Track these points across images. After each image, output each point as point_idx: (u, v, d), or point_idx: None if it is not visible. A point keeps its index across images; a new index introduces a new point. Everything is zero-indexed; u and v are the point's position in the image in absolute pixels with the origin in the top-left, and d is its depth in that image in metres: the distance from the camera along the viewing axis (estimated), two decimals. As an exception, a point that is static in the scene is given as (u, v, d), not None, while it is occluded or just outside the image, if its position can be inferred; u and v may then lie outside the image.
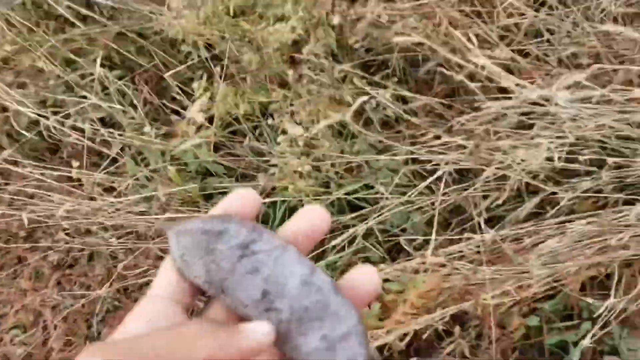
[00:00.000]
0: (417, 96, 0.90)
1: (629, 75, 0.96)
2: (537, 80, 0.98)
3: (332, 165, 0.90)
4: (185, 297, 0.31)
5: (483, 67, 0.87)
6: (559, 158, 0.80)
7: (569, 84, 0.85)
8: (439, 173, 0.86)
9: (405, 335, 0.79)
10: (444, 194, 0.83)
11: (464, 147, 0.83)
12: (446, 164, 0.83)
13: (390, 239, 0.96)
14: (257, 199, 0.32)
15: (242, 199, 0.31)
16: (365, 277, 0.30)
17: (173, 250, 0.31)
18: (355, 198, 1.00)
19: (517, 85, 0.88)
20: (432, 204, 0.85)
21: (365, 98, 0.79)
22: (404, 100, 1.09)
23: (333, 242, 0.89)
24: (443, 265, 0.86)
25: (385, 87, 0.95)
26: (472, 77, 0.93)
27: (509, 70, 0.99)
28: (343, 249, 0.95)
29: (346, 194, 0.96)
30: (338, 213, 0.99)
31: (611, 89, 0.90)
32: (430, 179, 0.82)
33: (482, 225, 0.86)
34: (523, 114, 0.92)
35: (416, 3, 0.93)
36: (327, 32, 0.94)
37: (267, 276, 0.29)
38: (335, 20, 0.98)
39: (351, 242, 0.93)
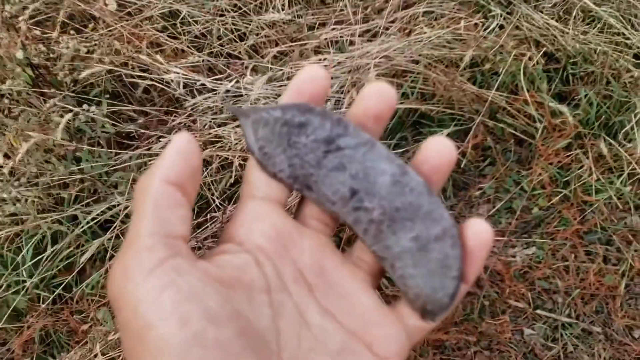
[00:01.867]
0: (133, 107, 1.00)
1: (304, 51, 1.20)
2: (243, 73, 1.16)
3: (65, 186, 0.96)
4: (280, 196, 0.30)
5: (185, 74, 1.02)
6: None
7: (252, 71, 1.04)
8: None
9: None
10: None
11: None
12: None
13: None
14: (328, 77, 0.30)
15: (312, 78, 0.29)
16: (439, 148, 0.30)
17: (250, 141, 0.29)
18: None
19: (218, 80, 1.05)
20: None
21: (70, 115, 0.87)
22: (133, 119, 1.19)
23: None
24: (199, 248, 0.99)
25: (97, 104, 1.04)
26: (186, 85, 1.07)
27: (210, 70, 1.15)
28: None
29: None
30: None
31: (290, 65, 1.12)
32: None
33: (221, 204, 1.01)
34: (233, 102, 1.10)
35: (107, 30, 1.03)
36: (20, 73, 0.99)
37: (355, 173, 0.28)
38: (35, 59, 1.03)
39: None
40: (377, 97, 0.29)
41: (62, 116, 0.89)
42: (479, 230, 0.29)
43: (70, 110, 0.93)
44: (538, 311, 1.10)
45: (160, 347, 0.24)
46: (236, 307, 0.27)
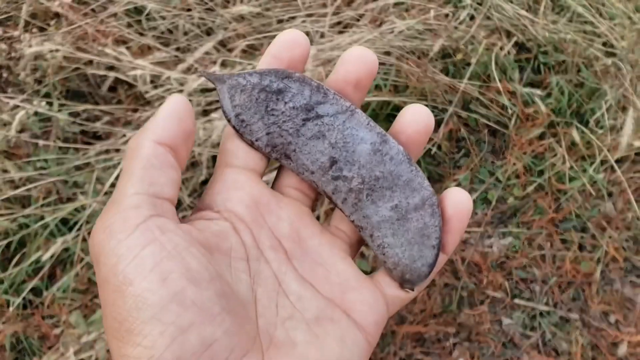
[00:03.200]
0: (94, 107, 0.99)
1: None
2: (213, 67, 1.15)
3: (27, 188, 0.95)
4: (258, 164, 0.30)
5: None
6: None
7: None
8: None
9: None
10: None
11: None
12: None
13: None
14: (307, 42, 0.30)
15: (291, 43, 0.29)
16: (415, 118, 0.30)
17: (227, 108, 0.28)
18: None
19: (184, 75, 1.04)
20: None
21: (22, 113, 0.86)
22: (99, 118, 1.17)
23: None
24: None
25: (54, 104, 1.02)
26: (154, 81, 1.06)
27: (177, 65, 1.14)
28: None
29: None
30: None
31: (259, 59, 1.11)
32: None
33: (192, 204, 1.01)
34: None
35: (71, 28, 1.02)
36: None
37: (335, 142, 0.28)
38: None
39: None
40: (358, 62, 0.29)
41: (13, 116, 0.87)
42: (458, 200, 0.30)
43: (24, 108, 0.92)
44: (516, 300, 1.11)
45: (138, 303, 0.24)
46: (217, 270, 0.27)
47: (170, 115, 0.27)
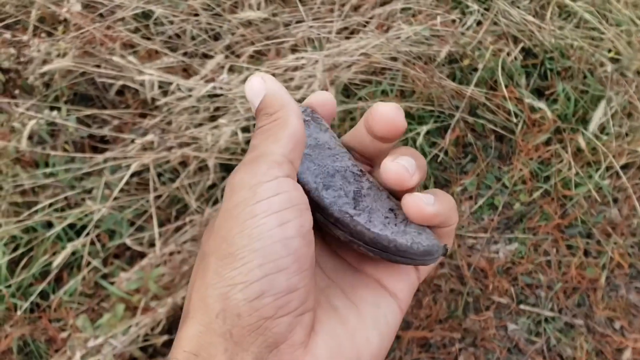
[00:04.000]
0: (101, 111, 1.00)
1: (281, 49, 1.21)
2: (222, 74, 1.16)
3: (36, 193, 0.96)
4: None
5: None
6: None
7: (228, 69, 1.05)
8: (152, 172, 0.98)
9: (158, 323, 0.90)
10: (155, 190, 0.96)
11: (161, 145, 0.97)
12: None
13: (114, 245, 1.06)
14: (334, 101, 0.37)
15: (323, 102, 0.37)
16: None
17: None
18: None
19: (201, 78, 1.05)
20: (148, 201, 0.98)
21: (33, 122, 0.87)
22: (107, 122, 1.18)
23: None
24: (178, 252, 0.99)
25: (66, 110, 1.03)
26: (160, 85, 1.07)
27: (185, 70, 1.15)
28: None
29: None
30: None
31: (267, 65, 1.12)
32: (135, 178, 0.94)
33: (199, 207, 1.02)
34: (211, 101, 1.10)
35: (79, 32, 1.03)
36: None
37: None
38: (5, 63, 1.02)
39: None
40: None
41: (24, 124, 0.88)
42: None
43: (35, 118, 0.93)
44: (521, 306, 1.12)
45: (253, 233, 0.28)
46: (312, 238, 0.31)
47: (287, 93, 0.32)
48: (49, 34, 1.06)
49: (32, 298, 1.03)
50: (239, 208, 0.28)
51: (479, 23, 1.23)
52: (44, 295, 1.07)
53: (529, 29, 1.23)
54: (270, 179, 0.29)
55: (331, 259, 0.35)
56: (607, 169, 1.16)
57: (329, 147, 0.36)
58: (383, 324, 0.32)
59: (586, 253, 1.16)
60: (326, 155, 0.35)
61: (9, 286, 1.04)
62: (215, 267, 0.28)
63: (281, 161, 0.30)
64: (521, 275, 1.14)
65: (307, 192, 0.34)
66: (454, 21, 1.19)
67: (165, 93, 1.03)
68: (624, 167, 1.17)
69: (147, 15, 1.13)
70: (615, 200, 1.18)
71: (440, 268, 1.14)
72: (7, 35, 1.06)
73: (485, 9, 1.25)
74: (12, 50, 1.04)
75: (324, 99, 0.36)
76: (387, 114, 0.34)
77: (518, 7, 1.26)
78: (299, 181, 0.34)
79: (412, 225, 0.33)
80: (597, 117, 1.11)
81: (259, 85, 0.33)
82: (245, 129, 1.03)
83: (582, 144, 1.15)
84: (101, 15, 1.09)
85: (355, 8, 1.17)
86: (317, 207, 0.34)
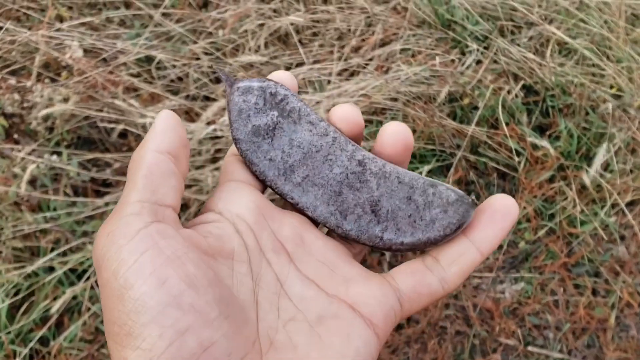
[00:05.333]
0: (101, 155, 1.01)
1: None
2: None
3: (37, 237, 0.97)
4: (258, 183, 0.34)
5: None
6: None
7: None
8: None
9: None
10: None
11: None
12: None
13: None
14: (294, 80, 0.35)
15: (280, 79, 0.34)
16: (394, 137, 0.33)
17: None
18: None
19: (193, 123, 1.07)
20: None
21: (33, 166, 0.88)
22: (109, 165, 1.20)
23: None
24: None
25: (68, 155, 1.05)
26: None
27: (187, 113, 1.17)
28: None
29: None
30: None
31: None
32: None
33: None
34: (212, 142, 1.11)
35: (82, 78, 1.05)
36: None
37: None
38: (9, 109, 1.04)
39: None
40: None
41: (24, 169, 0.90)
42: (504, 201, 0.32)
43: (35, 162, 0.94)
44: (529, 348, 1.11)
45: (137, 307, 0.24)
46: (218, 274, 0.28)
47: (166, 126, 0.29)
48: (53, 80, 1.09)
49: (31, 344, 1.02)
50: (112, 283, 0.25)
51: (479, 62, 1.25)
52: (43, 341, 1.07)
53: (529, 67, 1.24)
54: (130, 237, 0.26)
55: (301, 285, 0.31)
56: (613, 206, 1.16)
57: (314, 145, 0.33)
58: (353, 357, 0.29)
59: (594, 292, 1.15)
60: (319, 162, 0.33)
61: (9, 332, 1.04)
62: (118, 354, 0.25)
63: (139, 210, 0.27)
64: (528, 316, 1.13)
65: (332, 230, 0.33)
66: (453, 61, 1.20)
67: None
68: (630, 204, 1.16)
69: (149, 59, 1.15)
70: (622, 238, 1.17)
71: (445, 309, 1.13)
72: (12, 81, 1.09)
73: (485, 48, 1.27)
74: (17, 96, 1.06)
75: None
76: (344, 113, 0.33)
77: (518, 45, 1.28)
78: (315, 220, 0.33)
79: (435, 202, 0.32)
80: (601, 155, 1.11)
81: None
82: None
83: (587, 181, 1.15)
84: (104, 60, 1.12)
85: (355, 49, 1.19)
86: (346, 239, 0.33)
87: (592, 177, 1.16)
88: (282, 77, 0.34)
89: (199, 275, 0.26)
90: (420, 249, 0.32)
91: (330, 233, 0.35)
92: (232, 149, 0.35)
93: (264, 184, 0.34)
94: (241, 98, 0.33)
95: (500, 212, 0.31)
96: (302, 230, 0.32)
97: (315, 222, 0.34)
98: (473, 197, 0.33)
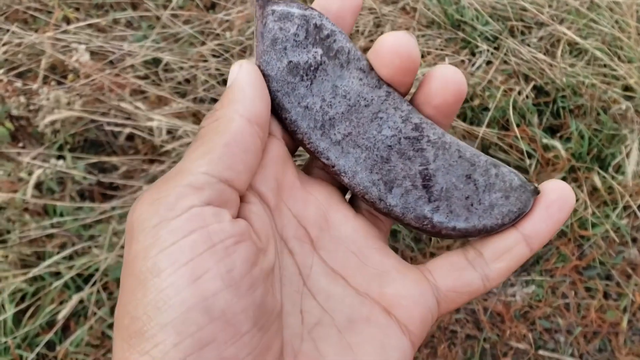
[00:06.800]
0: (107, 158, 1.01)
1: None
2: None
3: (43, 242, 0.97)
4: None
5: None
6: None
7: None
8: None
9: None
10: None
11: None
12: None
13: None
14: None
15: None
16: (444, 84, 0.27)
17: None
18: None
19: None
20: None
21: (40, 171, 0.88)
22: (116, 168, 1.20)
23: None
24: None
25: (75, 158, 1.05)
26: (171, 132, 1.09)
27: (195, 115, 1.17)
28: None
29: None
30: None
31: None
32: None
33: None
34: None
35: (88, 80, 1.05)
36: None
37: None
38: (15, 111, 1.04)
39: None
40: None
41: (30, 173, 0.90)
42: (560, 189, 0.28)
43: (42, 167, 0.94)
44: (540, 352, 1.10)
45: (158, 300, 0.20)
46: (265, 275, 0.23)
47: (255, 87, 0.24)
48: (59, 82, 1.09)
49: (37, 349, 1.03)
50: (138, 263, 0.21)
51: (489, 62, 1.24)
52: (50, 345, 1.07)
53: (540, 67, 1.24)
54: (179, 213, 0.21)
55: (327, 280, 0.26)
56: (625, 208, 1.15)
57: (362, 97, 0.27)
58: None
59: (606, 295, 1.14)
60: (367, 119, 0.27)
61: (15, 337, 1.04)
62: (121, 352, 0.21)
63: (201, 184, 0.22)
64: (539, 320, 1.13)
65: (372, 203, 0.28)
66: (463, 61, 1.20)
67: (174, 139, 1.04)
68: (642, 207, 1.16)
69: (156, 61, 1.15)
70: (634, 240, 1.17)
71: (455, 313, 1.13)
72: (18, 83, 1.09)
73: (495, 48, 1.27)
74: (22, 99, 1.07)
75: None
76: (394, 45, 0.25)
77: (528, 46, 1.28)
78: (351, 188, 0.27)
79: (497, 185, 0.28)
80: (618, 157, 1.11)
81: (231, 75, 0.25)
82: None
83: (598, 183, 1.15)
84: (111, 62, 1.12)
85: (364, 50, 1.18)
86: (387, 216, 0.28)
87: (603, 178, 1.15)
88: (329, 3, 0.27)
89: (243, 273, 0.21)
90: (472, 236, 0.28)
91: (356, 205, 0.30)
92: None
93: (292, 137, 0.28)
94: (277, 25, 0.26)
95: (557, 203, 0.27)
96: (327, 208, 0.27)
97: (344, 191, 0.29)
98: (535, 184, 0.29)
